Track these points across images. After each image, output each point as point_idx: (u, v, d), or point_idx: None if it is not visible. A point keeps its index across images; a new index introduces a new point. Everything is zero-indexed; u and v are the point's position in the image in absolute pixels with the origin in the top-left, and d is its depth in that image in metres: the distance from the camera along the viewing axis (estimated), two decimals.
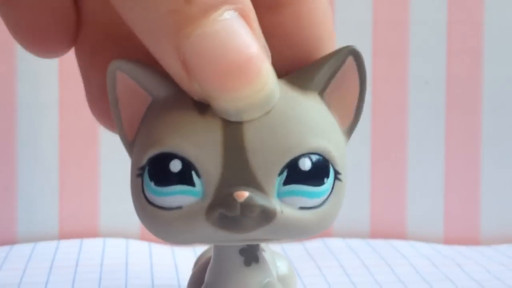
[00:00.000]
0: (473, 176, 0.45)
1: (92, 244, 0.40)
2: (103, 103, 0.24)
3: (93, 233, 0.42)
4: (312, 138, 0.21)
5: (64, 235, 0.42)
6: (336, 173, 0.22)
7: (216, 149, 0.20)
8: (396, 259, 0.38)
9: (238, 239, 0.21)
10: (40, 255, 0.38)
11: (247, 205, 0.20)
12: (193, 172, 0.21)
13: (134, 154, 0.22)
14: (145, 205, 0.21)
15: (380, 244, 0.41)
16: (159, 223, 0.21)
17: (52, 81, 0.42)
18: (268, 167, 0.21)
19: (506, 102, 0.45)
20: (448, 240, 0.44)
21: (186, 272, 0.35)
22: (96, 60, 0.24)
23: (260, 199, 0.20)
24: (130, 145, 0.23)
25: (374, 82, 0.44)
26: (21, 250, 0.39)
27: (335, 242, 0.41)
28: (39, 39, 0.24)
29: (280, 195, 0.21)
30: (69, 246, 0.39)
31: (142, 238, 0.41)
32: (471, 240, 0.44)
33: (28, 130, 0.42)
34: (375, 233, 0.43)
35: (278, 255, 0.29)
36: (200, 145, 0.20)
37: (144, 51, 0.23)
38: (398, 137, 0.44)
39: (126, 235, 0.41)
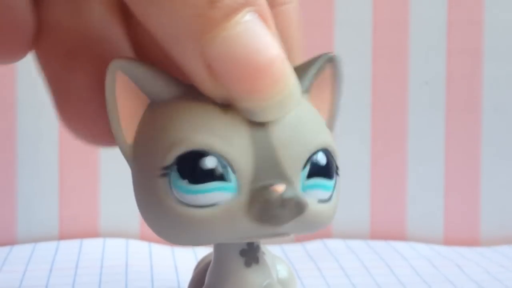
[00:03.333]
0: (473, 176, 0.45)
1: (92, 245, 0.40)
2: (83, 109, 0.23)
3: (93, 234, 0.42)
4: (322, 135, 0.22)
5: (64, 236, 0.42)
6: (337, 168, 0.22)
7: (246, 144, 0.21)
8: (396, 260, 0.38)
9: (270, 233, 0.21)
10: (40, 255, 0.38)
11: (285, 197, 0.20)
12: (228, 168, 0.21)
13: (142, 155, 0.22)
14: (174, 206, 0.21)
15: (380, 245, 0.41)
16: (193, 222, 0.21)
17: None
18: (294, 161, 0.21)
19: (506, 101, 0.45)
20: (448, 241, 0.44)
21: (186, 273, 0.35)
22: (72, 66, 0.24)
23: (294, 192, 0.21)
24: (128, 147, 0.22)
25: (374, 82, 0.44)
26: (21, 250, 0.39)
27: (335, 243, 0.41)
28: None
29: (304, 188, 0.21)
30: (69, 246, 0.39)
31: (142, 238, 0.41)
32: (471, 241, 0.44)
33: (28, 131, 0.42)
34: (375, 234, 0.43)
35: (278, 258, 0.29)
36: (231, 141, 0.21)
37: (125, 52, 0.23)
38: (398, 137, 0.44)
39: (126, 235, 0.41)
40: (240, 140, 0.21)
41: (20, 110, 0.42)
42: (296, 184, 0.21)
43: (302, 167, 0.21)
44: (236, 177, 0.21)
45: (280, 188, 0.20)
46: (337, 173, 0.22)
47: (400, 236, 0.44)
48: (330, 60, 0.23)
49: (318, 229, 0.22)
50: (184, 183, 0.21)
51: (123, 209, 0.41)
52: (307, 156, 0.21)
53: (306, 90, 0.23)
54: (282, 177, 0.21)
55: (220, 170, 0.21)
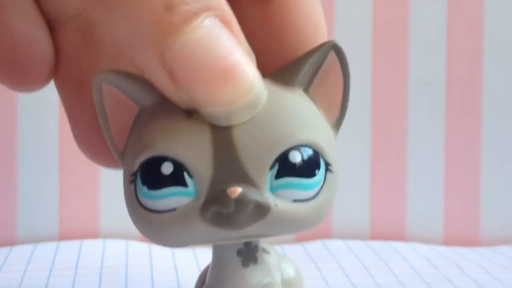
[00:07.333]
0: (473, 176, 0.45)
1: (92, 245, 0.40)
2: (93, 136, 0.24)
3: (93, 234, 0.42)
4: (300, 131, 0.21)
5: (64, 236, 0.42)
6: (327, 164, 0.22)
7: (206, 148, 0.21)
8: (396, 260, 0.38)
9: (234, 236, 0.21)
10: (40, 256, 0.38)
11: (240, 200, 0.20)
12: (185, 173, 0.21)
13: (125, 162, 0.22)
14: (139, 211, 0.21)
15: (380, 245, 0.41)
16: (155, 226, 0.21)
17: (52, 81, 0.42)
18: (259, 162, 0.21)
19: (506, 102, 0.45)
20: (448, 241, 0.44)
21: (186, 274, 0.35)
22: (82, 94, 0.24)
23: (253, 194, 0.20)
24: (121, 155, 0.23)
25: (374, 82, 0.44)
26: (21, 251, 0.39)
27: (335, 244, 0.41)
28: (16, 73, 0.24)
29: (273, 189, 0.21)
30: (69, 247, 0.39)
31: (142, 239, 0.41)
32: (471, 241, 0.44)
33: (28, 131, 0.42)
34: (375, 235, 0.43)
35: (285, 258, 0.29)
36: (189, 145, 0.21)
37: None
38: (398, 137, 0.44)
39: (126, 236, 0.41)
40: (200, 144, 0.21)
41: (20, 110, 0.42)
42: (261, 185, 0.21)
43: (270, 167, 0.21)
44: (195, 181, 0.21)
45: (234, 191, 0.20)
46: (329, 170, 0.22)
47: (400, 236, 0.44)
48: (333, 49, 0.22)
49: (300, 229, 0.22)
50: (145, 189, 0.21)
51: (123, 210, 0.40)
52: (275, 155, 0.21)
53: (301, 83, 0.22)
54: (244, 179, 0.21)
55: (177, 175, 0.21)
